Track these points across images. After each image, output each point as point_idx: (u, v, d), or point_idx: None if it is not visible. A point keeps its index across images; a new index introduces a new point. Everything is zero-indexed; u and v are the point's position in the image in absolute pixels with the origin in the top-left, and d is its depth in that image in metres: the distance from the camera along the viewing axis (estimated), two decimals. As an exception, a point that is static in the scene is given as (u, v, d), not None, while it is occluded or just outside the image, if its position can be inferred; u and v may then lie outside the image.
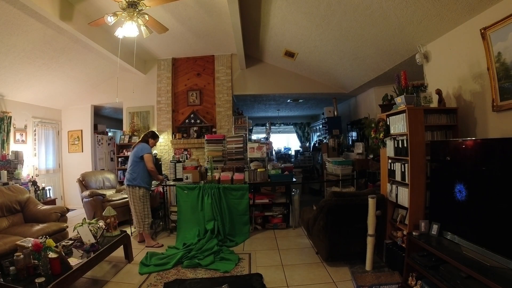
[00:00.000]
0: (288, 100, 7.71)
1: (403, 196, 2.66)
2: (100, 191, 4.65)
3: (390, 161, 2.93)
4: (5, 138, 4.72)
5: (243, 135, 5.03)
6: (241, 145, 4.87)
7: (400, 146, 2.69)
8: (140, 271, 2.93)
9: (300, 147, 10.48)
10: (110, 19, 2.97)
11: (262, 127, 10.76)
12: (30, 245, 2.15)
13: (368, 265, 2.74)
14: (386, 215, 2.97)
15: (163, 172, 5.05)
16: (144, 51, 5.59)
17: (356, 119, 6.75)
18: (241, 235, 3.97)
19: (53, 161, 6.15)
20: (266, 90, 6.15)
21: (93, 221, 2.97)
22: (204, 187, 4.10)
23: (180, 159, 4.78)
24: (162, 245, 3.68)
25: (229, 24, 4.00)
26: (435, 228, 2.35)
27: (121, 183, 5.92)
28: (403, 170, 2.66)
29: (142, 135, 4.03)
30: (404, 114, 2.61)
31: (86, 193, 4.50)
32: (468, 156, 2.19)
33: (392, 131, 2.89)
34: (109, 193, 4.91)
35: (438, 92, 2.84)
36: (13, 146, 4.94)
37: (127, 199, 4.65)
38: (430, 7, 2.68)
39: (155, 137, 3.97)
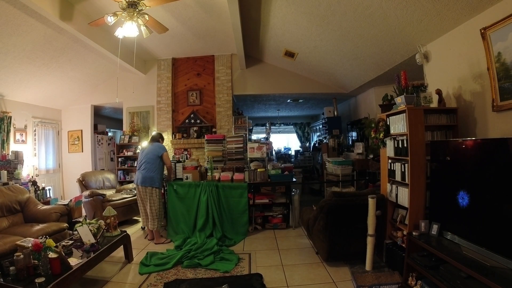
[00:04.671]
0: (288, 100, 7.71)
1: (403, 196, 2.66)
2: (100, 191, 4.65)
3: (390, 161, 2.93)
4: (5, 138, 4.72)
5: (243, 135, 5.02)
6: (241, 145, 4.87)
7: (400, 146, 2.68)
8: (140, 271, 2.93)
9: (300, 147, 10.48)
10: (110, 19, 2.97)
11: (262, 127, 10.76)
12: (30, 245, 2.15)
13: (368, 265, 2.74)
14: (386, 215, 2.97)
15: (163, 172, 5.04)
16: (144, 51, 5.59)
17: (356, 119, 6.76)
18: (239, 235, 3.97)
19: (53, 161, 6.15)
20: (266, 90, 6.16)
21: (93, 221, 2.97)
22: (202, 185, 4.12)
23: (180, 159, 4.78)
24: (171, 241, 3.81)
25: (229, 24, 4.00)
26: (435, 228, 2.34)
27: (121, 183, 5.93)
28: (403, 170, 2.66)
29: (152, 137, 4.14)
30: (404, 114, 2.61)
31: (86, 193, 4.50)
32: (468, 156, 2.19)
33: (392, 131, 2.89)
34: (109, 193, 4.90)
35: (438, 92, 2.84)
36: (13, 146, 4.94)
37: (128, 199, 4.70)
38: (430, 7, 2.68)
39: (163, 139, 4.20)
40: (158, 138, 4.06)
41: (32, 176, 5.13)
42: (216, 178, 4.34)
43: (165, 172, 4.11)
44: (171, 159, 4.81)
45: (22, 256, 2.03)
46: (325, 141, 7.02)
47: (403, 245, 2.60)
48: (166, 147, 5.83)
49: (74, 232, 2.93)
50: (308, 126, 11.56)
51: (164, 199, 4.35)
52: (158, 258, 3.19)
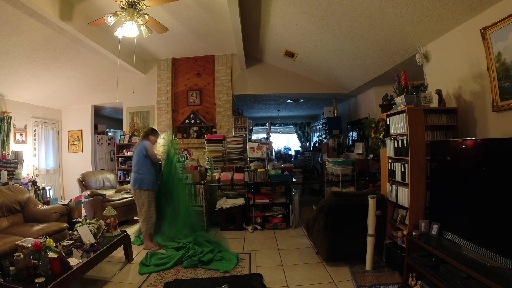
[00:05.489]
0: (288, 100, 7.71)
1: (403, 196, 2.66)
2: (100, 191, 4.65)
3: (390, 161, 2.93)
4: (5, 138, 4.71)
5: (243, 135, 5.04)
6: (241, 145, 4.88)
7: (400, 146, 2.68)
8: (140, 271, 2.92)
9: (300, 147, 10.48)
10: (110, 19, 2.97)
11: (262, 127, 10.75)
12: (30, 245, 2.15)
13: (368, 265, 2.74)
14: (386, 215, 2.97)
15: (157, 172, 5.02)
16: (144, 51, 5.59)
17: (356, 119, 6.76)
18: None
19: (53, 161, 6.15)
20: (266, 90, 6.16)
21: (93, 221, 2.97)
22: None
23: (180, 159, 4.77)
24: (160, 248, 3.58)
25: (229, 24, 4.00)
26: (435, 228, 2.34)
27: (121, 183, 5.93)
28: (403, 170, 2.66)
29: (142, 133, 3.88)
30: (404, 114, 2.61)
31: (86, 193, 4.50)
32: (468, 156, 2.19)
33: (392, 131, 2.88)
34: (109, 193, 4.91)
35: (438, 92, 2.84)
36: (13, 146, 4.94)
37: (128, 199, 4.69)
38: (430, 7, 2.68)
39: (154, 133, 3.85)
40: (147, 135, 3.75)
41: (32, 176, 5.13)
42: (216, 178, 4.34)
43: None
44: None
45: (22, 256, 2.02)
46: (325, 141, 7.02)
47: (403, 245, 2.60)
48: (166, 147, 5.89)
49: (74, 232, 2.92)
50: (308, 126, 11.56)
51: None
52: (158, 258, 3.18)
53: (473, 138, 2.25)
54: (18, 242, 2.45)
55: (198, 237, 3.66)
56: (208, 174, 4.46)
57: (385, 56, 4.04)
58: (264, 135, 7.65)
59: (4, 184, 4.04)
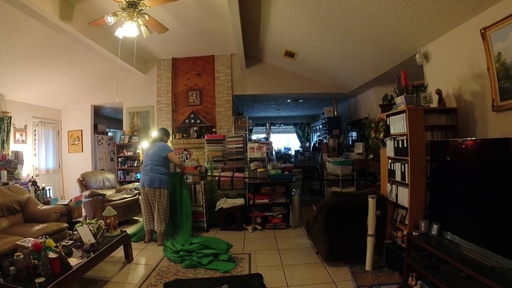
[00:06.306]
0: (288, 100, 7.71)
1: (403, 196, 2.66)
2: (100, 191, 4.65)
3: (390, 161, 2.93)
4: (5, 138, 4.71)
5: (243, 135, 5.04)
6: (241, 145, 4.88)
7: (400, 146, 2.69)
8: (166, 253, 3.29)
9: (300, 147, 10.48)
10: (110, 19, 2.97)
11: (262, 127, 10.75)
12: (30, 245, 2.15)
13: (368, 265, 2.74)
14: (386, 215, 2.97)
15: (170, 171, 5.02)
16: (144, 51, 5.58)
17: (356, 119, 6.76)
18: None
19: (53, 161, 6.15)
20: (266, 90, 6.15)
21: (93, 221, 2.97)
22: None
23: (180, 159, 4.78)
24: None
25: (229, 24, 4.00)
26: (435, 228, 2.35)
27: (121, 183, 5.93)
28: (403, 170, 2.66)
29: (154, 136, 4.01)
30: (404, 114, 2.61)
31: (86, 193, 4.50)
32: (468, 156, 2.19)
33: (392, 131, 2.89)
34: (109, 193, 4.91)
35: (438, 92, 2.84)
36: (13, 146, 4.94)
37: (128, 199, 4.70)
38: (430, 7, 2.68)
39: (168, 135, 4.07)
40: (162, 136, 3.92)
41: (32, 176, 5.13)
42: (216, 178, 4.33)
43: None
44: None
45: (22, 256, 2.03)
46: (325, 141, 7.02)
47: (403, 245, 2.60)
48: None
49: (74, 232, 2.92)
50: (308, 126, 11.56)
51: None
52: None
53: (473, 138, 2.25)
54: (18, 242, 2.45)
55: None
56: (208, 174, 4.45)
57: (385, 56, 4.04)
58: (264, 135, 7.65)
59: (4, 184, 4.04)
